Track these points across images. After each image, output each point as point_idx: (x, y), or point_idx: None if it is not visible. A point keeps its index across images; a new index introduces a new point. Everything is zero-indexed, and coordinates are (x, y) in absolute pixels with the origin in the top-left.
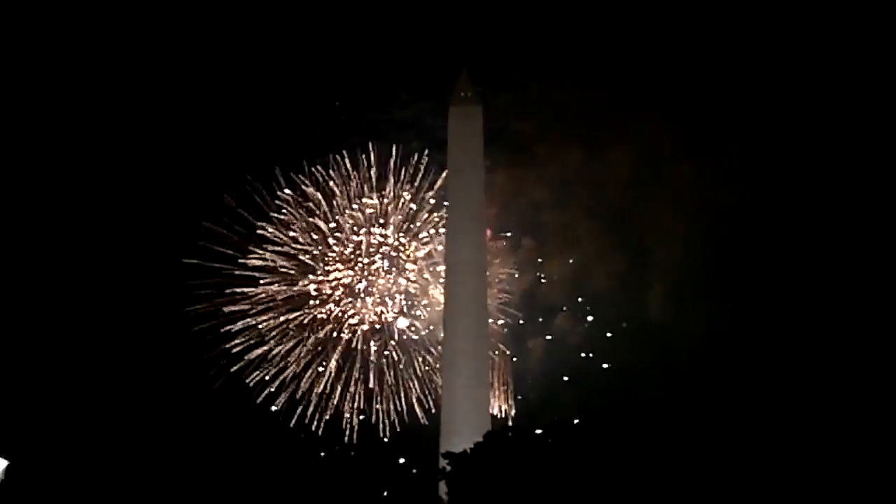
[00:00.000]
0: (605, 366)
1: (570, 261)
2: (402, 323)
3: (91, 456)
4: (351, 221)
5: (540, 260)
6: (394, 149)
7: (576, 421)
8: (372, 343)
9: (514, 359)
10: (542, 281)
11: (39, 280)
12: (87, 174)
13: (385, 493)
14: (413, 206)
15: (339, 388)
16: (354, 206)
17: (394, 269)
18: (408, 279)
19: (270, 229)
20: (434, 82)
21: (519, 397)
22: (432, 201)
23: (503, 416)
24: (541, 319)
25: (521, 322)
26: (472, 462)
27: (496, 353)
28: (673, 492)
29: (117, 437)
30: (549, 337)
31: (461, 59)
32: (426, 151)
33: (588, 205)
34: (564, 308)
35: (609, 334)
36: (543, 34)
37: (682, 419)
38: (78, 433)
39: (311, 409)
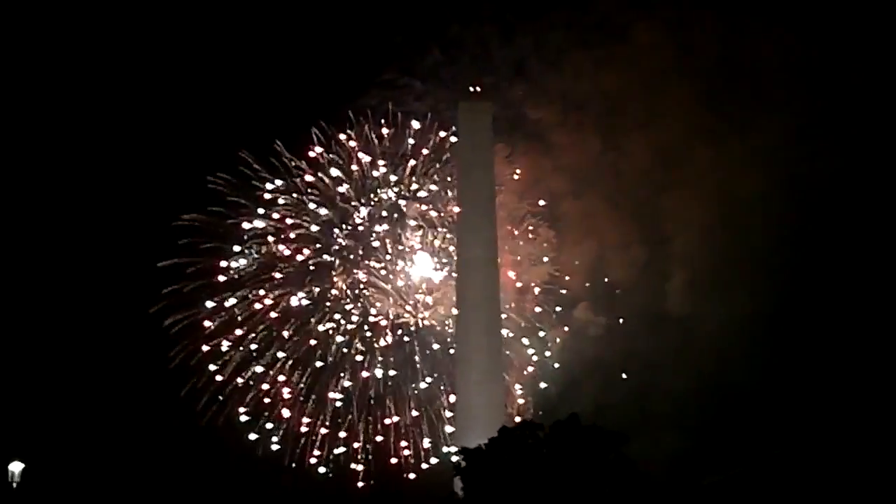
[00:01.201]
0: (624, 359)
1: (589, 251)
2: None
3: (98, 460)
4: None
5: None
6: (408, 140)
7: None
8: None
9: (535, 357)
10: (557, 274)
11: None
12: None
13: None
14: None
15: (349, 424)
16: (363, 199)
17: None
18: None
19: (262, 224)
20: (448, 74)
21: (550, 401)
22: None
23: (519, 413)
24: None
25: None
26: (487, 457)
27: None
28: (687, 487)
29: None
30: (566, 328)
31: (470, 51)
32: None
33: (607, 194)
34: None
35: (628, 325)
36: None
37: (703, 413)
38: (87, 440)
39: (315, 449)
